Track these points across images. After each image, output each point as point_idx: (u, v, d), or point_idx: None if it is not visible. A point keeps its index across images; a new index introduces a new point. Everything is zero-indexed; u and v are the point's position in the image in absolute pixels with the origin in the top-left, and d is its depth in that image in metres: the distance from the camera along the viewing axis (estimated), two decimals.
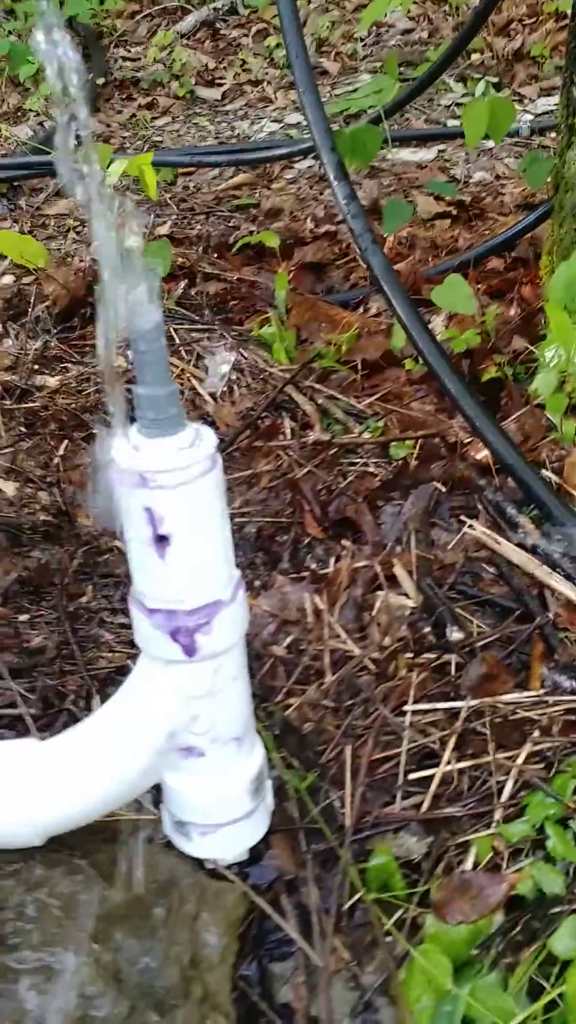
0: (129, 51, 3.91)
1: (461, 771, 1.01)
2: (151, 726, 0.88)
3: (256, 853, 0.98)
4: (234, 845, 0.94)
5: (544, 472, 1.32)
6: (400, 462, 1.43)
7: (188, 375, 1.58)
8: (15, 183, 2.78)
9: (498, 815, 0.97)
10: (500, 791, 0.99)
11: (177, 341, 1.64)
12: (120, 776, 0.90)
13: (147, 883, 0.94)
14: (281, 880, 0.96)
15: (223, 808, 0.92)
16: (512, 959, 0.89)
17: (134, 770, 0.90)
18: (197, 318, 1.75)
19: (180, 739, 0.89)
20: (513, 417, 1.47)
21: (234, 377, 1.58)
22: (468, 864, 0.94)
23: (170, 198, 2.74)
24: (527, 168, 1.84)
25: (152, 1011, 0.84)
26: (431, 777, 1.00)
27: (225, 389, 1.57)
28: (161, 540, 0.80)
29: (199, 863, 0.97)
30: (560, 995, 0.85)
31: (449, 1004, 0.85)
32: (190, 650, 0.84)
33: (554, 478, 1.31)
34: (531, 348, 1.57)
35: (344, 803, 0.99)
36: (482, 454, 1.40)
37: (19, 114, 3.50)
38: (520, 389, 1.55)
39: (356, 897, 0.94)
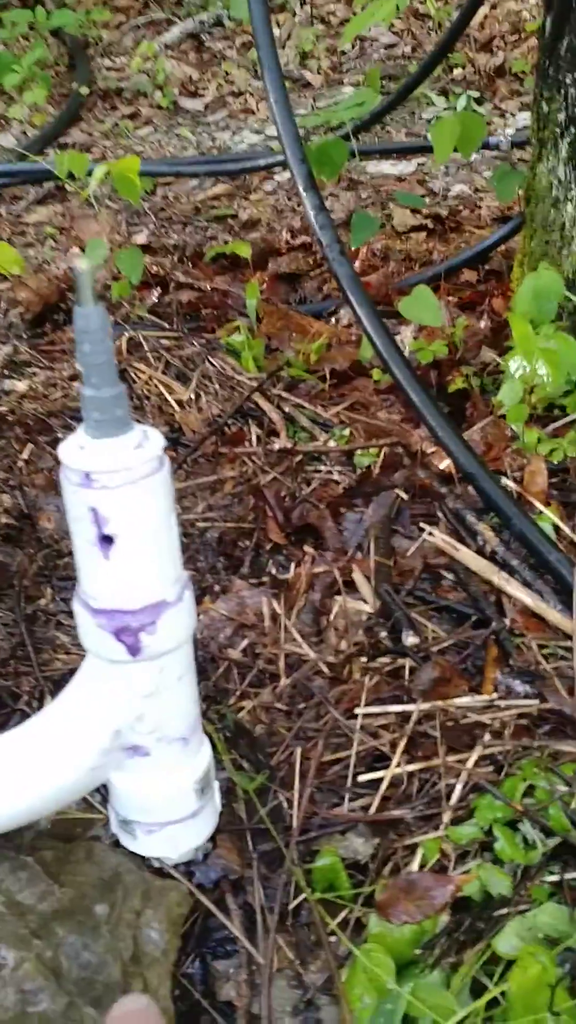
0: (114, 61, 3.93)
1: (411, 774, 1.01)
2: (96, 725, 0.89)
3: (203, 853, 0.98)
4: (180, 844, 0.95)
5: (505, 480, 1.33)
6: (364, 470, 1.44)
7: (156, 381, 1.58)
8: None
9: (446, 818, 0.97)
10: (449, 794, 0.99)
11: (146, 348, 1.65)
12: (65, 774, 0.90)
13: (92, 880, 0.94)
14: (227, 879, 0.96)
15: (168, 807, 0.92)
16: (456, 959, 0.89)
17: (79, 769, 0.90)
18: (167, 326, 1.76)
19: (125, 738, 0.89)
20: (477, 427, 1.48)
21: (200, 382, 1.58)
22: (415, 866, 0.95)
23: (149, 207, 2.75)
24: (498, 181, 1.85)
25: (90, 1006, 0.84)
26: (380, 779, 1.01)
27: (192, 396, 1.58)
28: (105, 540, 0.80)
29: (145, 862, 0.97)
30: (503, 993, 0.85)
31: (390, 1002, 0.85)
32: (134, 650, 0.84)
33: (514, 486, 1.32)
34: (499, 360, 1.58)
35: (292, 804, 0.99)
36: (445, 463, 1.41)
37: (2, 122, 3.51)
38: (486, 400, 1.56)
39: (301, 897, 0.94)
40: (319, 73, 3.66)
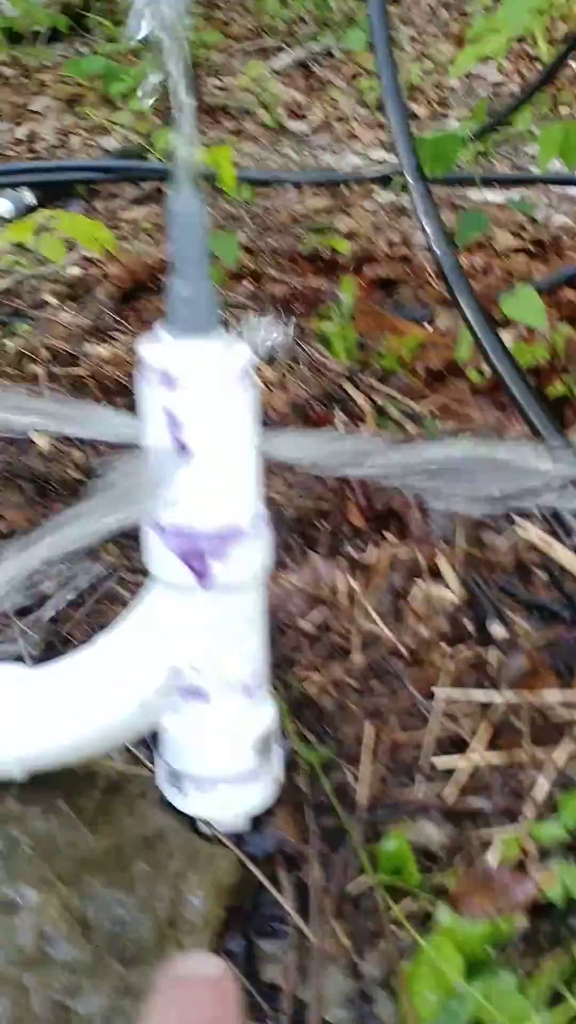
0: (222, 81, 3.97)
1: (491, 764, 0.92)
2: (154, 659, 0.82)
3: (258, 826, 0.90)
4: (233, 806, 0.87)
5: None
6: None
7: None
8: (92, 186, 2.80)
9: (529, 813, 0.88)
10: (532, 788, 0.90)
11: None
12: (115, 710, 0.83)
13: (132, 835, 0.87)
14: (281, 853, 0.88)
15: (224, 761, 0.85)
16: (533, 965, 0.79)
17: (131, 705, 0.83)
18: (254, 307, 1.71)
19: (184, 678, 0.82)
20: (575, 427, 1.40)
21: (286, 365, 1.53)
22: (492, 860, 0.85)
23: (247, 215, 2.74)
24: None
25: (118, 963, 0.77)
26: (458, 766, 0.92)
27: (279, 377, 1.52)
28: (181, 449, 0.74)
29: (193, 825, 0.89)
30: None
31: (457, 1002, 0.76)
32: (203, 577, 0.77)
33: None
34: None
35: (359, 782, 0.91)
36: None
37: (108, 126, 3.56)
38: None
39: (363, 880, 0.85)
40: (426, 106, 3.65)
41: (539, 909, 0.83)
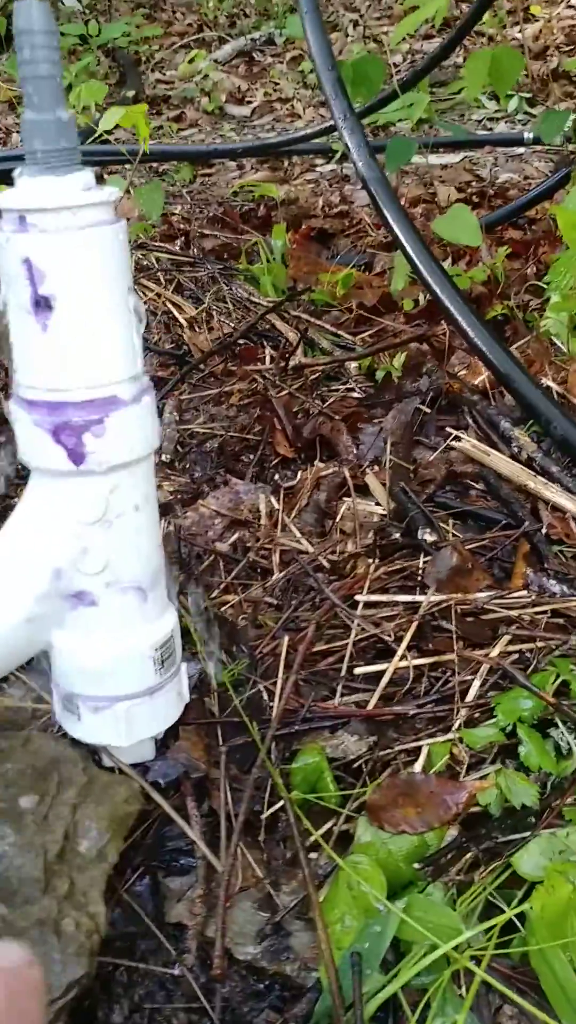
0: (164, 74, 3.91)
1: (419, 669, 0.83)
2: (34, 562, 0.72)
3: (163, 751, 0.81)
4: (132, 729, 0.77)
5: (545, 382, 1.16)
6: (384, 377, 1.28)
7: (164, 300, 1.45)
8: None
9: (460, 718, 0.79)
10: (464, 692, 0.81)
11: (155, 266, 1.52)
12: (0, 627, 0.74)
13: (23, 768, 0.77)
14: (188, 779, 0.78)
15: (119, 677, 0.75)
16: (465, 878, 0.70)
17: (15, 619, 0.73)
18: (181, 252, 1.63)
19: (68, 581, 0.72)
20: (518, 344, 1.32)
21: (213, 304, 1.44)
22: (418, 769, 0.76)
23: (187, 191, 2.67)
24: (543, 123, 1.71)
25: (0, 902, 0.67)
26: (381, 672, 0.83)
27: (204, 316, 1.44)
28: (43, 304, 0.65)
29: (94, 756, 0.80)
30: (520, 918, 0.66)
31: (379, 924, 0.67)
32: (77, 456, 0.68)
33: (556, 388, 1.15)
34: (541, 285, 1.42)
35: (274, 697, 0.82)
36: (480, 379, 1.25)
37: None
38: (528, 326, 1.40)
39: (278, 805, 0.76)
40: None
41: (471, 821, 0.74)
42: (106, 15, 4.50)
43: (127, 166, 2.56)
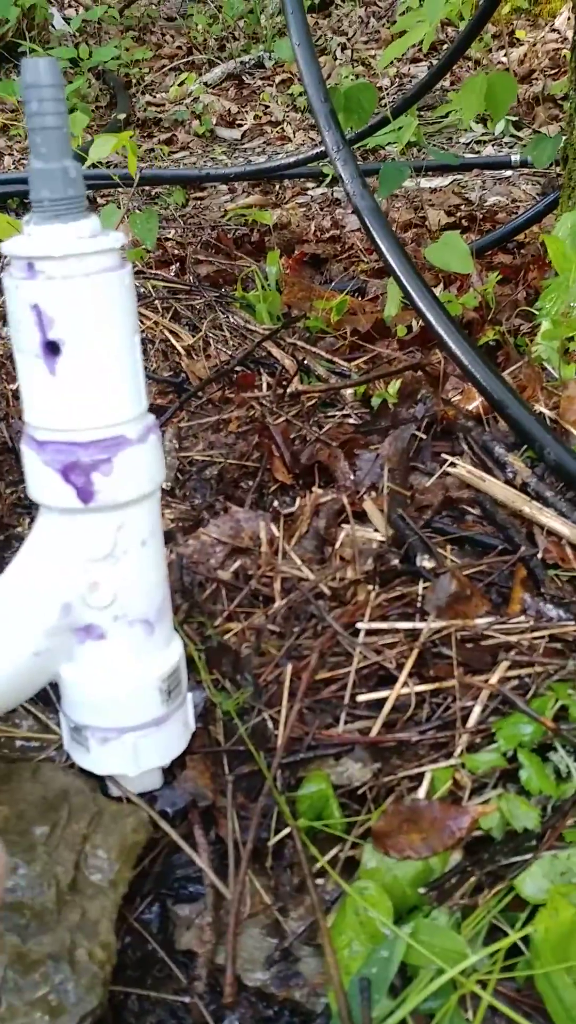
0: (155, 97, 3.95)
1: (420, 695, 0.85)
2: (43, 597, 0.74)
3: (170, 780, 0.82)
4: (140, 759, 0.78)
5: (538, 408, 1.18)
6: (381, 404, 1.30)
7: (162, 327, 1.47)
8: (25, 200, 2.74)
9: (461, 743, 0.81)
10: (465, 718, 0.82)
11: (153, 295, 1.54)
12: (7, 661, 0.75)
13: (33, 800, 0.79)
14: (196, 808, 0.80)
15: (127, 708, 0.77)
16: (469, 902, 0.71)
17: (24, 653, 0.75)
18: (177, 280, 1.65)
19: (77, 615, 0.74)
20: (510, 370, 1.34)
21: (210, 332, 1.46)
22: (422, 795, 0.78)
23: (180, 216, 2.69)
24: (533, 148, 1.74)
25: (13, 933, 0.68)
26: (384, 700, 0.84)
27: (200, 344, 1.46)
28: (51, 348, 0.67)
29: (101, 785, 0.81)
30: (525, 940, 0.68)
31: (386, 949, 0.68)
32: (86, 494, 0.70)
33: (549, 413, 1.17)
34: (531, 310, 1.45)
35: (279, 724, 0.83)
36: (474, 404, 1.27)
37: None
38: (519, 352, 1.43)
39: (284, 832, 0.77)
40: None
41: (474, 846, 0.76)
42: (96, 38, 4.55)
43: (119, 189, 2.59)
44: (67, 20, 4.43)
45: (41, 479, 0.71)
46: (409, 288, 1.27)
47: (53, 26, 4.44)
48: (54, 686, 0.91)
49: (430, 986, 0.65)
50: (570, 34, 3.51)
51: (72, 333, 0.67)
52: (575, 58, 1.55)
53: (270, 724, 0.84)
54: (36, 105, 0.65)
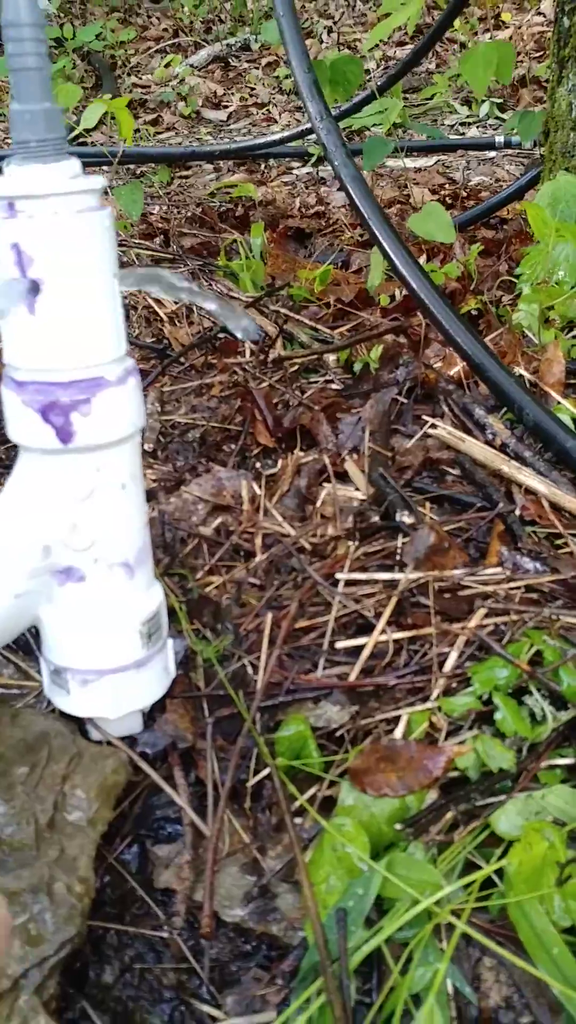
0: (140, 78, 3.93)
1: (398, 643, 0.86)
2: (23, 538, 0.74)
3: (151, 723, 0.83)
4: (120, 701, 0.79)
5: (518, 371, 1.19)
6: (363, 368, 1.30)
7: (144, 294, 1.47)
8: None
9: (438, 687, 0.82)
10: (442, 663, 0.84)
11: (136, 263, 1.54)
12: None
13: (13, 742, 0.79)
14: (175, 750, 0.80)
15: (107, 651, 0.77)
16: (445, 838, 0.73)
17: (4, 595, 0.75)
18: (161, 250, 1.65)
19: (57, 557, 0.75)
20: (491, 336, 1.35)
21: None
22: (398, 735, 0.79)
23: (165, 193, 2.69)
24: (519, 123, 1.75)
25: None
26: (362, 646, 0.85)
27: (184, 311, 1.46)
28: (31, 287, 0.67)
29: (82, 728, 0.82)
30: (499, 873, 0.69)
31: (361, 885, 0.69)
32: (65, 435, 0.70)
33: (529, 376, 1.18)
34: (513, 280, 1.46)
35: (258, 670, 0.84)
36: (455, 369, 1.28)
37: None
38: (501, 320, 1.43)
39: (264, 773, 0.78)
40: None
41: (450, 785, 0.77)
42: (81, 19, 4.53)
43: (105, 168, 2.58)
44: (51, 0, 4.41)
45: (21, 419, 0.71)
46: (392, 255, 1.28)
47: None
48: (34, 634, 0.91)
49: (405, 916, 0.66)
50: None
51: (52, 272, 0.67)
52: (557, 30, 1.56)
53: (250, 670, 0.84)
54: (15, 45, 0.65)
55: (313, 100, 1.47)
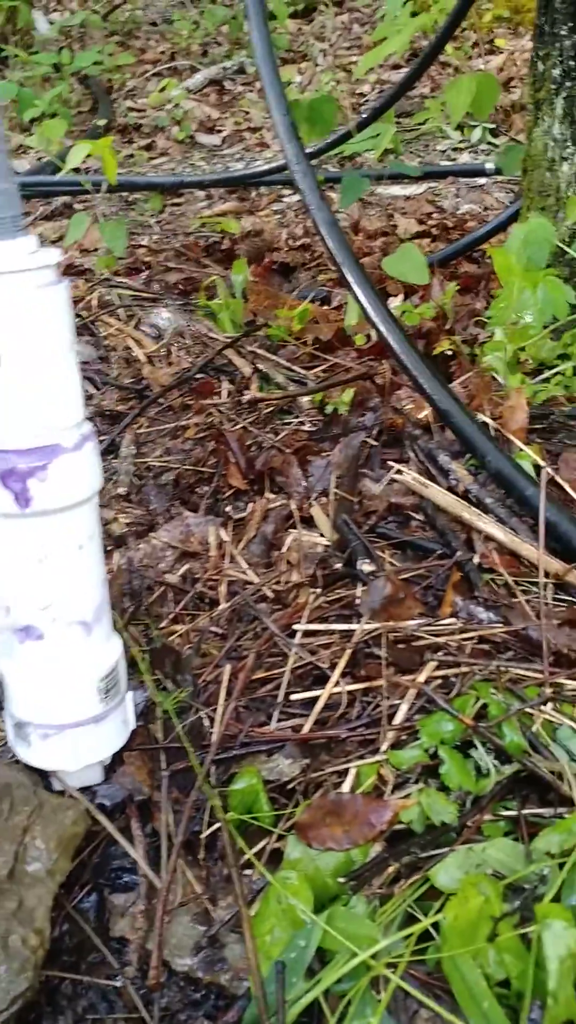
0: (136, 102, 3.98)
1: (352, 695, 0.88)
2: None
3: (110, 775, 0.85)
4: (80, 754, 0.82)
5: (482, 418, 1.22)
6: (333, 412, 1.33)
7: (125, 335, 1.50)
8: None
9: (387, 740, 0.84)
10: (392, 716, 0.86)
11: (116, 302, 1.57)
12: None
13: None
14: (133, 802, 0.83)
15: (66, 706, 0.80)
16: (387, 891, 0.75)
17: None
18: (143, 288, 1.68)
19: (16, 616, 0.78)
20: (460, 380, 1.38)
21: (173, 340, 1.50)
22: (347, 789, 0.81)
23: (156, 222, 2.72)
24: (504, 156, 1.79)
25: None
26: (316, 699, 0.88)
27: (163, 352, 1.49)
28: None
29: (44, 780, 0.85)
30: (436, 926, 0.72)
31: (303, 937, 0.72)
32: (23, 500, 0.73)
33: (492, 423, 1.21)
34: (484, 319, 1.49)
35: (213, 723, 0.87)
36: (424, 413, 1.31)
37: (21, 151, 3.54)
38: (473, 362, 1.46)
39: (216, 826, 0.81)
40: (338, 112, 3.67)
41: (395, 838, 0.79)
42: (80, 42, 4.57)
43: (96, 196, 2.62)
44: (51, 23, 4.46)
45: None
46: (363, 300, 1.31)
47: (36, 29, 4.46)
48: None
49: (343, 968, 0.69)
50: None
51: (9, 346, 0.70)
52: (532, 74, 1.59)
53: (207, 722, 0.87)
54: None
55: (291, 143, 1.50)
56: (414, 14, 2.26)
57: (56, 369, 0.72)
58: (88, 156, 1.74)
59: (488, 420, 1.20)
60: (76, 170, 3.22)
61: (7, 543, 0.76)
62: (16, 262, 0.70)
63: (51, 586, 0.77)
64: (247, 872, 0.79)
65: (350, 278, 1.34)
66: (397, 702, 0.86)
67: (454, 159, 3.17)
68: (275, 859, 0.79)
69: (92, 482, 0.76)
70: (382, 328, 1.28)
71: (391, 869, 0.76)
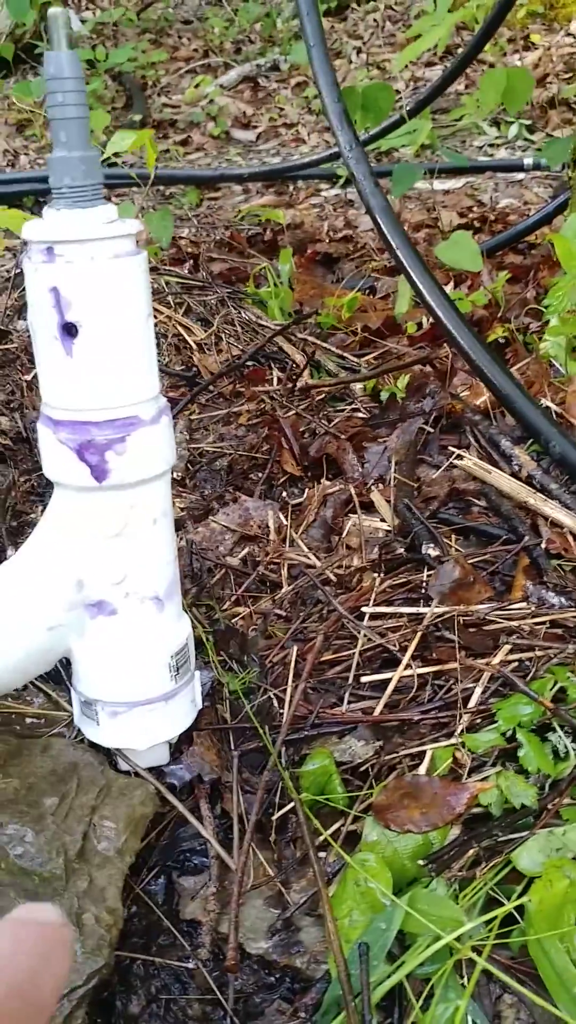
0: (170, 98, 3.98)
1: (423, 677, 0.87)
2: (57, 573, 0.76)
3: (178, 755, 0.84)
4: (149, 733, 0.80)
5: (544, 402, 1.20)
6: (389, 398, 1.32)
7: (175, 322, 1.49)
8: (39, 198, 2.77)
9: (462, 723, 0.83)
10: (466, 699, 0.84)
11: (166, 290, 1.56)
12: (23, 635, 0.77)
13: (43, 773, 0.81)
14: (202, 782, 0.82)
15: (136, 683, 0.79)
16: (467, 874, 0.73)
17: (38, 628, 0.77)
18: (190, 276, 1.67)
19: (90, 591, 0.77)
20: (518, 367, 1.36)
21: (222, 327, 1.49)
22: (422, 771, 0.80)
23: (194, 215, 2.72)
24: (548, 149, 1.77)
25: (23, 897, 0.70)
26: (387, 681, 0.86)
27: (212, 339, 1.48)
28: (68, 330, 0.69)
29: (111, 760, 0.83)
30: (519, 909, 0.70)
31: (384, 920, 0.70)
32: (100, 473, 0.72)
33: (555, 408, 1.19)
34: (540, 308, 1.46)
35: (284, 703, 0.85)
36: (481, 399, 1.29)
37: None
38: (528, 349, 1.44)
39: (288, 807, 0.79)
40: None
41: (473, 821, 0.78)
42: (113, 40, 4.58)
43: (134, 188, 2.62)
44: (83, 22, 4.48)
45: (57, 458, 0.73)
46: (419, 284, 1.29)
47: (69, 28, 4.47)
48: (65, 664, 0.93)
49: (426, 951, 0.67)
50: None
51: (89, 315, 0.69)
52: None
53: (275, 703, 0.86)
54: (59, 96, 0.67)
55: (342, 130, 1.49)
56: (450, 10, 2.24)
57: (136, 339, 0.71)
58: (124, 152, 1.73)
59: (551, 405, 1.19)
60: (113, 164, 3.22)
61: (81, 516, 0.75)
62: (97, 230, 0.68)
63: (126, 561, 0.76)
64: (321, 854, 0.78)
65: (406, 262, 1.32)
66: (471, 685, 0.85)
67: (491, 155, 3.15)
68: (350, 841, 0.78)
69: (168, 456, 0.75)
70: (440, 312, 1.26)
71: (471, 852, 0.74)
